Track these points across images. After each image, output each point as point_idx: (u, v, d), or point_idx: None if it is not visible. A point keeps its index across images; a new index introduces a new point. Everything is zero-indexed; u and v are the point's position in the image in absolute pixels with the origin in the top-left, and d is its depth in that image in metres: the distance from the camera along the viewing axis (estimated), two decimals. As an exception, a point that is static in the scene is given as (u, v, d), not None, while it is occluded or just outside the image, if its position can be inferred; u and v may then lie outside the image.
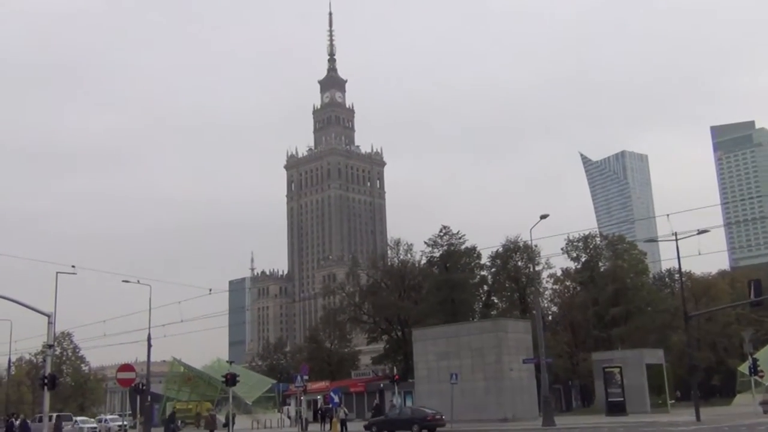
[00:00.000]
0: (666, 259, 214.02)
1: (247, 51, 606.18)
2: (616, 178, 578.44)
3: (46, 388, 42.23)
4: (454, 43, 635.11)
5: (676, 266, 73.93)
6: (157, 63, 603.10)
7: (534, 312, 63.43)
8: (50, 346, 43.52)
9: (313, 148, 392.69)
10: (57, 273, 54.17)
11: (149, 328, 65.86)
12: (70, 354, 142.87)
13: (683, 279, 72.77)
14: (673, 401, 71.30)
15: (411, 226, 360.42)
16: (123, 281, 67.89)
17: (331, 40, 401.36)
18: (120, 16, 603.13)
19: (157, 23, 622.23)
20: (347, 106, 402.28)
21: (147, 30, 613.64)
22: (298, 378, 69.59)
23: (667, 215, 50.08)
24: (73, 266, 52.69)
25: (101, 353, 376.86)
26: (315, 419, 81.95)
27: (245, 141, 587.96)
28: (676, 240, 51.61)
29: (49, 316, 42.17)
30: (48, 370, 42.98)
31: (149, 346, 66.13)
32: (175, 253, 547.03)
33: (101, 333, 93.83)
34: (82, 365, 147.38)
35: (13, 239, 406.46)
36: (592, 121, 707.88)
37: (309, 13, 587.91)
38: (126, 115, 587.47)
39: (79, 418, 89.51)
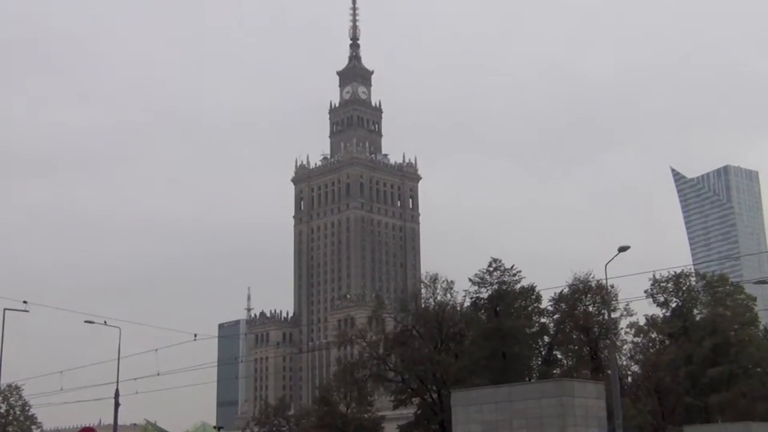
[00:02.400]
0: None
1: (246, 31, 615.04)
2: (717, 201, 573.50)
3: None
4: (506, 24, 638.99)
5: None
6: (133, 46, 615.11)
7: (609, 372, 62.82)
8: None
9: (328, 156, 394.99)
10: (4, 310, 54.83)
11: (117, 382, 66.27)
12: (17, 412, 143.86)
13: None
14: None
15: (451, 257, 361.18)
16: (86, 322, 68.46)
17: (354, 22, 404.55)
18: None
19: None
20: (373, 103, 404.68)
21: (121, 7, 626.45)
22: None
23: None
24: (24, 302, 53.34)
25: (57, 412, 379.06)
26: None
27: (243, 146, 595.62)
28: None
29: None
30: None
31: (116, 404, 66.42)
32: (151, 288, 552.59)
33: (58, 387, 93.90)
34: (33, 427, 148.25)
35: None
36: (687, 127, 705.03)
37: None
38: (93, 111, 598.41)
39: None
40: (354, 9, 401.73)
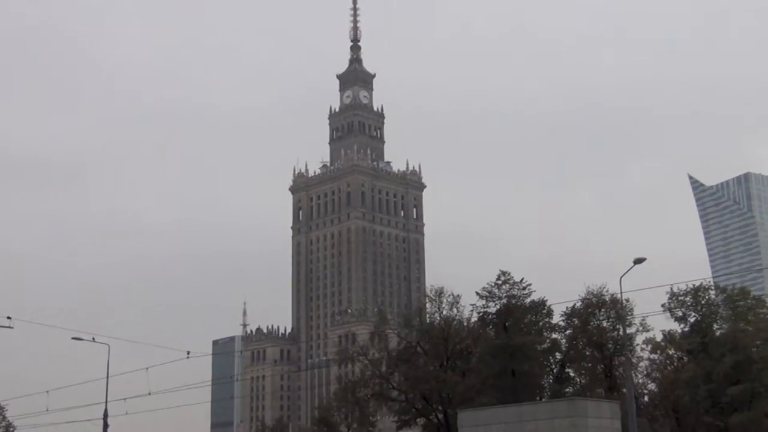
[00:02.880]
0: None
1: (242, 33, 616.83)
2: (737, 210, 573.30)
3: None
4: (516, 24, 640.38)
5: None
6: (123, 46, 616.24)
7: (624, 390, 62.72)
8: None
9: (328, 163, 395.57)
10: (-13, 326, 54.76)
11: (106, 402, 66.25)
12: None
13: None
14: None
15: (458, 269, 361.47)
16: (73, 338, 68.40)
17: (355, 22, 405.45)
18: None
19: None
20: (375, 108, 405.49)
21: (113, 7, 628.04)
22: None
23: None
24: (8, 317, 53.36)
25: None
26: None
27: (238, 153, 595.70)
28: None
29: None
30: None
31: (105, 426, 66.38)
32: (142, 303, 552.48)
33: (43, 407, 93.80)
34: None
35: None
36: (706, 131, 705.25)
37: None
38: (84, 116, 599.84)
39: None
40: (355, 9, 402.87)
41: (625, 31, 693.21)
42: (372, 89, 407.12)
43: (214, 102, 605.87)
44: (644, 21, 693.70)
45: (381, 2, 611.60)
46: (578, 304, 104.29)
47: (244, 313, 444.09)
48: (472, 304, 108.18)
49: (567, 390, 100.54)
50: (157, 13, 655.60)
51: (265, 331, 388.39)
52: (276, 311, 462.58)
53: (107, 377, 67.04)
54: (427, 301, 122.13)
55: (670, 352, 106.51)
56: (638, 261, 53.74)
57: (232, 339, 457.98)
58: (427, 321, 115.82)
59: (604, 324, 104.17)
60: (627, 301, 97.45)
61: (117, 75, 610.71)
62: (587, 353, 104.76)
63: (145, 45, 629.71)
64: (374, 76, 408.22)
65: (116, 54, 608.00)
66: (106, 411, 67.46)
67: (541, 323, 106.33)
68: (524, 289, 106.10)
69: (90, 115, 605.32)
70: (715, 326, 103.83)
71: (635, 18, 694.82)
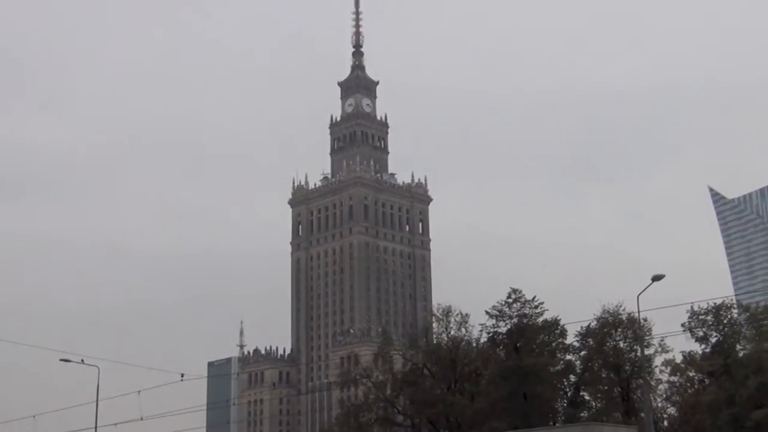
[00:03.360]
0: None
1: (239, 38, 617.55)
2: (760, 224, 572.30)
3: None
4: (529, 31, 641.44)
5: None
6: (116, 56, 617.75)
7: (643, 415, 62.53)
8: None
9: (329, 175, 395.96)
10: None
11: (96, 427, 66.08)
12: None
13: None
14: None
15: (466, 287, 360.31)
16: (61, 360, 68.32)
17: (357, 27, 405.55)
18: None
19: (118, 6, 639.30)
20: (378, 117, 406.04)
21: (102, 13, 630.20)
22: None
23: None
24: (-8, 338, 53.21)
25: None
26: None
27: (233, 165, 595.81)
28: None
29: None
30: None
31: (95, 452, 66.15)
32: (133, 323, 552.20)
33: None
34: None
35: None
36: (727, 142, 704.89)
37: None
38: (69, 129, 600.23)
39: None
40: (357, 13, 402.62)
41: (646, 35, 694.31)
42: (375, 97, 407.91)
43: (208, 113, 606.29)
44: (666, 27, 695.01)
45: (384, 6, 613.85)
46: (593, 324, 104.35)
47: (241, 333, 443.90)
48: (482, 324, 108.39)
49: (582, 414, 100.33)
50: (153, 20, 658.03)
51: (263, 352, 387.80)
52: (274, 331, 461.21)
53: (97, 401, 67.05)
54: (433, 320, 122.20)
55: (691, 374, 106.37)
56: (656, 278, 53.65)
57: (228, 360, 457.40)
58: (434, 341, 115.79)
59: (621, 344, 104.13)
60: (645, 320, 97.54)
61: (108, 82, 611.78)
62: (603, 375, 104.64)
63: (138, 52, 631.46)
64: (377, 83, 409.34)
65: (106, 59, 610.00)
66: (95, 437, 67.30)
67: (554, 344, 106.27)
68: (536, 307, 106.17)
69: (73, 125, 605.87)
70: (738, 347, 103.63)
71: (657, 22, 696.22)
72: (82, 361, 67.66)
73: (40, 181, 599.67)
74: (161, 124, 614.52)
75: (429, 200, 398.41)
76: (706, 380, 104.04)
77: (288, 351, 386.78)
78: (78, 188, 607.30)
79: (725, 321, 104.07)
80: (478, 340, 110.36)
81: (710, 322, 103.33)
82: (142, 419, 71.72)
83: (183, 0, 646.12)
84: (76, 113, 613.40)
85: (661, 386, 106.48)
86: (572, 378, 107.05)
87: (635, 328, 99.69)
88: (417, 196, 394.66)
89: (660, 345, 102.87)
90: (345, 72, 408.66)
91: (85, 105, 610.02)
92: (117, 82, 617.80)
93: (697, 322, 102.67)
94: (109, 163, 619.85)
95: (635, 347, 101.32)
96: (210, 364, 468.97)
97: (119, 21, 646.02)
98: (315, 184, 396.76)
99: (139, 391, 70.42)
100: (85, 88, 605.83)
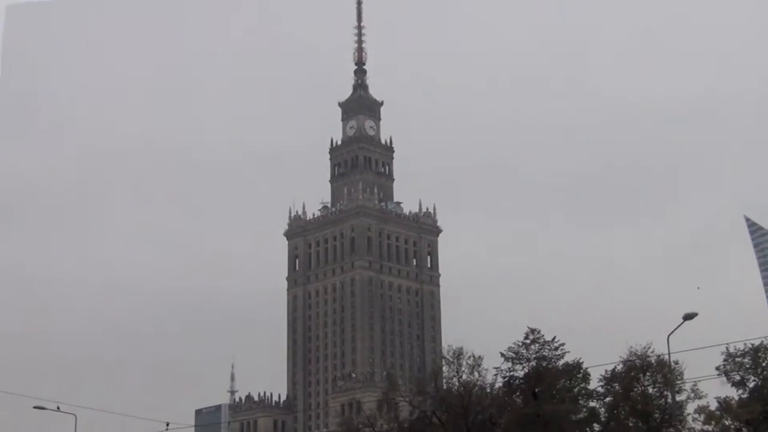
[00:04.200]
0: None
1: (228, 52, 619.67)
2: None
3: None
4: (549, 45, 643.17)
5: None
6: (106, 73, 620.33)
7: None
8: None
9: (329, 204, 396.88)
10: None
11: (72, 482, 65.80)
12: None
13: None
14: None
15: (479, 327, 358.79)
16: (35, 408, 68.21)
17: (360, 43, 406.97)
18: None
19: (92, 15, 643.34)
20: (382, 141, 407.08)
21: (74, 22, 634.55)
22: None
23: None
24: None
25: None
26: None
27: (225, 193, 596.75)
28: None
29: None
30: None
31: None
32: (114, 367, 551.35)
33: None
34: None
35: None
36: (764, 166, 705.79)
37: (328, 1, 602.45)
38: (41, 148, 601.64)
39: None
40: (359, 28, 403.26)
41: (673, 54, 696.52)
42: (379, 119, 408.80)
43: (199, 135, 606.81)
44: (694, 47, 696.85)
45: (388, 21, 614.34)
46: (619, 367, 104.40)
47: (232, 378, 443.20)
48: (496, 368, 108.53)
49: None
50: (143, 41, 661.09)
51: (256, 398, 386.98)
52: (268, 376, 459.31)
53: (74, 453, 66.83)
54: (443, 363, 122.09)
55: (727, 423, 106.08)
56: (688, 317, 53.61)
57: (218, 408, 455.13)
58: (444, 387, 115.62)
59: (650, 390, 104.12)
60: (676, 363, 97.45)
61: (94, 104, 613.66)
62: (630, 424, 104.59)
63: (128, 73, 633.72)
64: (382, 103, 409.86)
65: (91, 80, 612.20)
66: (71, 493, 67.11)
67: (576, 389, 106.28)
68: (556, 349, 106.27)
69: (55, 148, 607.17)
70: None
71: (684, 42, 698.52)
72: (58, 408, 67.64)
73: (14, 207, 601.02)
74: (150, 150, 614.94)
75: (438, 231, 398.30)
76: (743, 429, 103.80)
77: (283, 397, 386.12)
78: (54, 216, 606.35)
79: (764, 364, 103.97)
80: (492, 385, 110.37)
81: (748, 365, 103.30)
82: (123, 473, 71.60)
83: (176, 21, 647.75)
84: (58, 139, 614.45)
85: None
86: (596, 427, 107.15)
87: (665, 372, 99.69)
88: (425, 227, 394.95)
89: (693, 390, 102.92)
90: (346, 92, 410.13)
91: (66, 129, 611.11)
92: (101, 108, 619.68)
93: (733, 364, 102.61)
94: (89, 189, 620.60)
95: (665, 393, 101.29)
96: (198, 412, 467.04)
97: (114, 46, 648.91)
98: (313, 214, 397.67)
99: (120, 442, 70.41)
100: (63, 112, 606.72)
